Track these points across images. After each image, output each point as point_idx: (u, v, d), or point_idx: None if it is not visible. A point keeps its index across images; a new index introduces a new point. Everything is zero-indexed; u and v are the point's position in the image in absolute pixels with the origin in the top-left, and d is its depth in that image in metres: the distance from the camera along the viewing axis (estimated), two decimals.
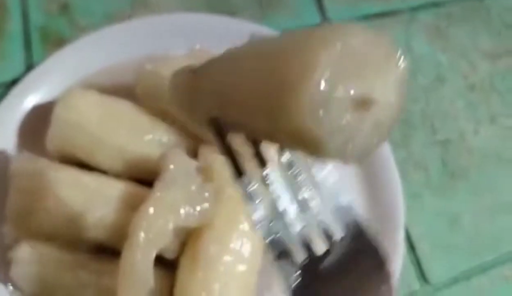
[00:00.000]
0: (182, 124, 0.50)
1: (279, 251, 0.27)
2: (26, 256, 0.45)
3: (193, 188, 0.42)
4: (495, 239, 0.56)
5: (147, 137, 0.50)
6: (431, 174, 0.58)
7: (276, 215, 0.28)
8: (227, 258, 0.43)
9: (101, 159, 0.49)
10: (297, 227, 0.28)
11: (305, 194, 0.29)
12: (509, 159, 0.60)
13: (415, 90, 0.63)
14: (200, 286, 0.42)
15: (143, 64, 0.51)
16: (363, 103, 0.25)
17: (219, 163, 0.46)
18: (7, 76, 0.57)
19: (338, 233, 0.28)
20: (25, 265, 0.45)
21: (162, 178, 0.43)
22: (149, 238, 0.41)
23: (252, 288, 0.44)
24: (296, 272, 0.27)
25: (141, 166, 0.49)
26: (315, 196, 0.29)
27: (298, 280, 0.27)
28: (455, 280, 0.54)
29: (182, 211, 0.42)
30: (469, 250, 0.55)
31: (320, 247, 0.28)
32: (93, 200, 0.46)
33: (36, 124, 0.52)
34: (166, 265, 0.45)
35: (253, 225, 0.28)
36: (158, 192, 0.42)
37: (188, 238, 0.44)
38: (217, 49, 0.54)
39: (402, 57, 0.28)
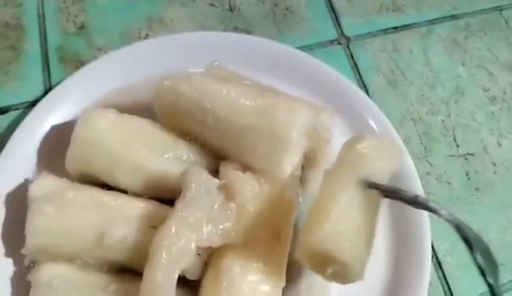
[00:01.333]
0: (202, 142, 0.50)
1: None
2: (46, 278, 0.45)
3: (216, 206, 0.41)
4: None
5: (167, 155, 0.49)
6: (455, 187, 0.57)
7: None
8: (250, 277, 0.42)
9: (120, 177, 0.48)
10: None
11: None
12: None
13: (435, 103, 0.62)
14: None
15: (161, 82, 0.50)
16: None
17: (240, 181, 0.45)
18: (26, 97, 0.58)
19: None
20: (45, 288, 0.45)
21: (183, 196, 0.42)
22: (171, 258, 0.41)
23: None
24: None
25: (161, 184, 0.48)
26: None
27: None
28: None
29: (204, 230, 0.41)
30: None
31: None
32: (113, 219, 0.45)
33: (56, 145, 0.52)
34: (188, 286, 0.44)
35: None
36: (180, 211, 0.42)
37: (210, 258, 0.43)
38: (235, 66, 0.55)
39: None
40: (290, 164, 0.47)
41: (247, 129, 0.47)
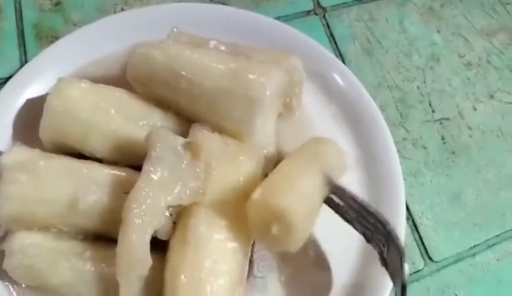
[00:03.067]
0: (176, 109, 0.50)
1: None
2: (20, 247, 0.45)
3: (184, 165, 0.41)
4: (499, 214, 0.55)
5: (141, 123, 0.49)
6: (431, 151, 0.57)
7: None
8: (217, 236, 0.42)
9: (94, 145, 0.48)
10: None
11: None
12: (510, 133, 0.59)
13: (411, 70, 0.62)
14: (191, 265, 0.41)
15: (133, 50, 0.50)
16: None
17: (207, 139, 0.45)
18: (2, 73, 0.58)
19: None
20: (19, 256, 0.45)
21: (149, 156, 0.42)
22: (142, 218, 0.41)
23: (242, 264, 0.43)
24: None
25: (135, 152, 0.48)
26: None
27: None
28: (459, 257, 0.53)
29: (174, 189, 0.41)
30: (472, 226, 0.54)
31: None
32: (85, 186, 0.45)
33: (30, 117, 0.52)
34: (159, 247, 0.44)
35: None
36: (147, 171, 0.42)
37: (178, 217, 0.43)
38: (208, 35, 0.55)
39: None
40: (263, 125, 0.47)
41: (220, 93, 0.47)
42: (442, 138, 0.58)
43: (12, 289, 0.47)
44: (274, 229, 0.40)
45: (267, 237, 0.41)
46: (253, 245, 0.46)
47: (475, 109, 0.61)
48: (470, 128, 0.59)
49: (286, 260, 0.49)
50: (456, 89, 0.62)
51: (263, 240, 0.44)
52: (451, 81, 0.62)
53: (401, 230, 0.49)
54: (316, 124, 0.55)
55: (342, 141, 0.54)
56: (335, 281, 0.49)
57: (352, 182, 0.53)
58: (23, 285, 0.46)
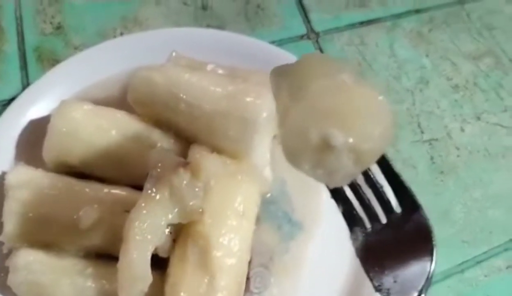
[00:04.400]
0: (176, 130, 0.52)
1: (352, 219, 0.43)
2: (24, 263, 0.46)
3: (183, 184, 0.43)
4: (486, 231, 0.57)
5: (141, 144, 0.51)
6: (420, 171, 0.59)
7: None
8: (216, 252, 0.43)
9: (96, 165, 0.50)
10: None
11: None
12: (496, 153, 0.62)
13: (400, 93, 0.65)
14: (190, 281, 0.42)
15: (134, 73, 0.52)
16: None
17: (206, 159, 0.47)
18: (4, 95, 0.59)
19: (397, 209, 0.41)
20: (23, 272, 0.46)
21: (150, 175, 0.44)
22: (143, 236, 0.42)
23: (241, 279, 0.45)
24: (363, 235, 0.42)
25: (135, 171, 0.50)
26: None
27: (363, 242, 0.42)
28: (448, 274, 0.54)
29: (174, 208, 0.43)
30: (461, 243, 0.56)
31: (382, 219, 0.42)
32: (87, 204, 0.47)
33: (34, 138, 0.54)
34: (159, 264, 0.45)
35: None
36: (149, 190, 0.43)
37: (178, 235, 0.45)
38: (205, 59, 0.57)
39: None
40: (259, 146, 0.49)
41: (219, 115, 0.49)
42: (431, 158, 0.60)
43: None
44: None
45: None
46: (250, 262, 0.48)
47: (462, 130, 0.63)
48: (458, 148, 0.62)
49: (281, 277, 0.50)
50: (444, 111, 0.64)
51: None
52: (439, 103, 0.65)
53: None
54: None
55: None
56: None
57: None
58: None
